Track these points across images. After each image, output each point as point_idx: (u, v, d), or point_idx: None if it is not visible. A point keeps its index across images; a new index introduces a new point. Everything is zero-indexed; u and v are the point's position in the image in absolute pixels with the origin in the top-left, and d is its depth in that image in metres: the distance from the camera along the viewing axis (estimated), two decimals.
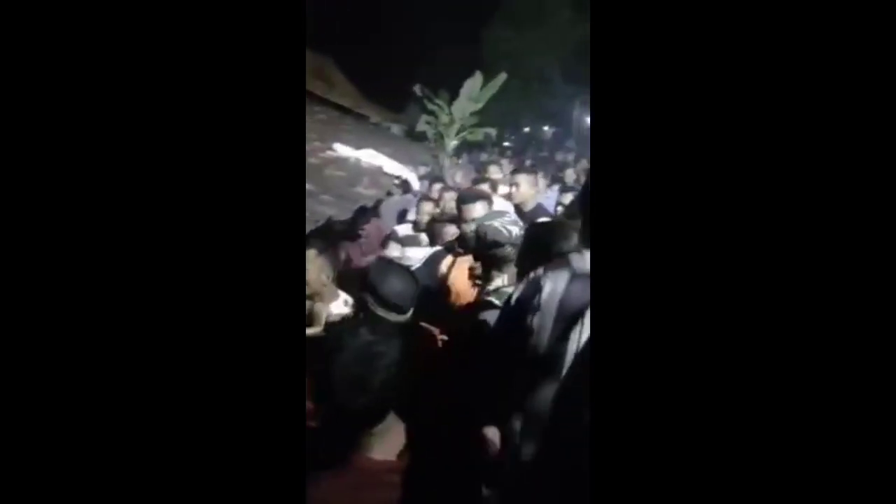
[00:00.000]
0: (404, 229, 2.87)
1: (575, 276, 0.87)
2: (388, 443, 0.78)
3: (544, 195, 3.46)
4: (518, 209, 2.58)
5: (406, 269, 1.36)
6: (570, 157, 7.60)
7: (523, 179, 2.75)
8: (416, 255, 2.46)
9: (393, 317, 1.16)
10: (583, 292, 0.84)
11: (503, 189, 2.98)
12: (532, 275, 0.92)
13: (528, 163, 6.43)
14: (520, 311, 0.91)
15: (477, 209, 2.03)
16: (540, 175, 3.71)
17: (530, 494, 0.89)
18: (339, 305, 1.78)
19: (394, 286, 1.16)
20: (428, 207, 2.82)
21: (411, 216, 3.10)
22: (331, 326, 1.51)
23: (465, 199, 2.06)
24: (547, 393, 0.86)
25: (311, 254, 1.79)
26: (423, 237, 2.71)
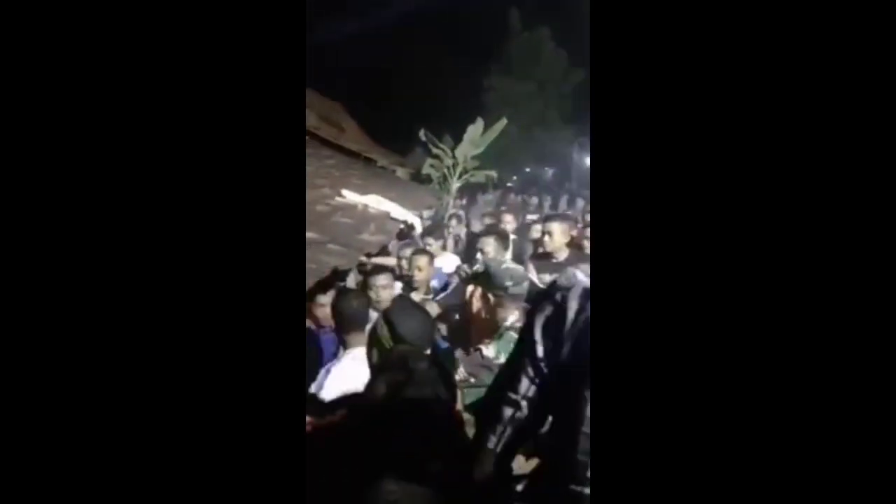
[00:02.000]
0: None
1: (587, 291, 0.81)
2: None
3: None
4: (549, 258, 2.50)
5: (423, 308, 1.43)
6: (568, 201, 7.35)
7: (556, 228, 2.56)
8: None
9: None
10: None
11: (535, 236, 2.85)
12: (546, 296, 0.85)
13: (562, 209, 5.63)
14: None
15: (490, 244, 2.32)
16: (573, 222, 3.42)
17: None
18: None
19: (412, 326, 1.21)
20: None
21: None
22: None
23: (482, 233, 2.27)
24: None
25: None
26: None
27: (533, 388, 0.87)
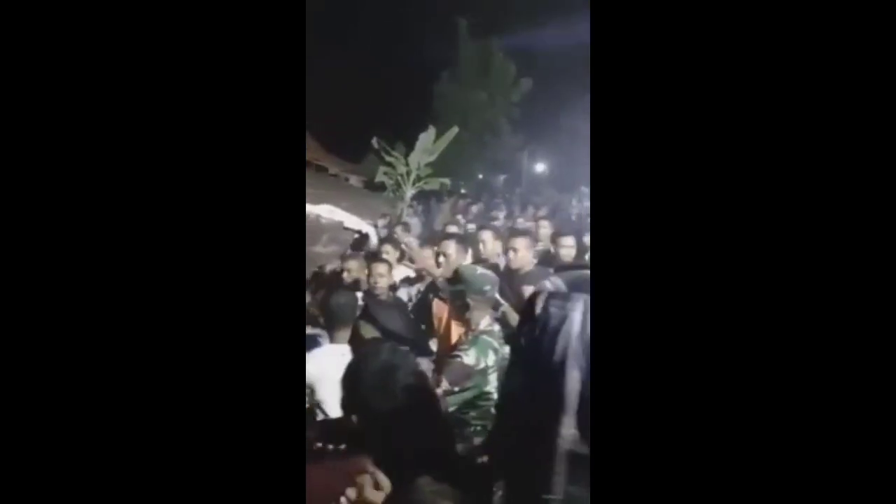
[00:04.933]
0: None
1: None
2: None
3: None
4: (513, 275, 2.39)
5: (402, 305, 1.60)
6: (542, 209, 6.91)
7: (521, 244, 2.47)
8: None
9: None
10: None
11: (495, 253, 2.78)
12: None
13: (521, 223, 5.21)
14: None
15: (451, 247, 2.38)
16: (539, 233, 3.35)
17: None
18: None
19: (394, 320, 1.38)
20: (382, 269, 2.50)
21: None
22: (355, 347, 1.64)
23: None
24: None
25: None
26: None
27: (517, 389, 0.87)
